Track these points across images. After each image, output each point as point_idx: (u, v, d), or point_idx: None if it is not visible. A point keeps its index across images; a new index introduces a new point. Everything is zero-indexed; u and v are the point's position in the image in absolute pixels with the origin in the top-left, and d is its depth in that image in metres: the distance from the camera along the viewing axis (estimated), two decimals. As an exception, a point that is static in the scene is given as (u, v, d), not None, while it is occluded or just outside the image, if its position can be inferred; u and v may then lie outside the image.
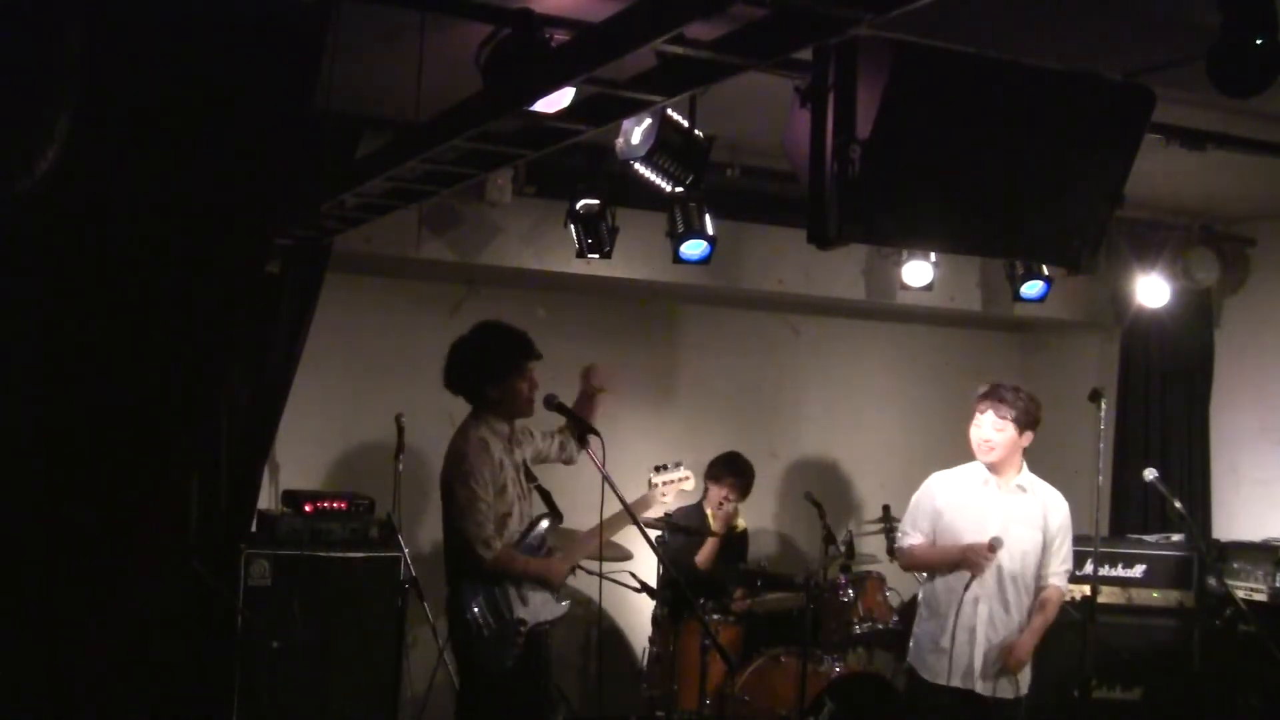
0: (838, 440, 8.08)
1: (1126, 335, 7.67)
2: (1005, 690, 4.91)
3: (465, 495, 4.54)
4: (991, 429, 4.96)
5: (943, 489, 5.13)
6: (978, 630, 4.88)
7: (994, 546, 4.84)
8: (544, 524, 4.75)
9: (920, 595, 5.24)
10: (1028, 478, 5.05)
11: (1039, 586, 4.99)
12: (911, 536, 5.15)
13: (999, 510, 4.97)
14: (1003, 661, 4.89)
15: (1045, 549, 4.97)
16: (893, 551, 6.46)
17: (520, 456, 4.78)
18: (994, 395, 4.97)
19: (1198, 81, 3.62)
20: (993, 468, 5.00)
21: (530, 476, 4.79)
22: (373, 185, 4.76)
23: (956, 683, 4.88)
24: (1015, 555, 4.93)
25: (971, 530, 4.94)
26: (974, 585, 4.86)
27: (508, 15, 3.84)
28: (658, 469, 5.35)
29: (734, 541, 6.89)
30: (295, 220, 5.23)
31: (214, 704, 5.59)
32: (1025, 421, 4.95)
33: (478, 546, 4.51)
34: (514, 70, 3.77)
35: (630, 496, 4.84)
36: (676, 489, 5.37)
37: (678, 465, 5.39)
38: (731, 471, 6.74)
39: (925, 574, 5.26)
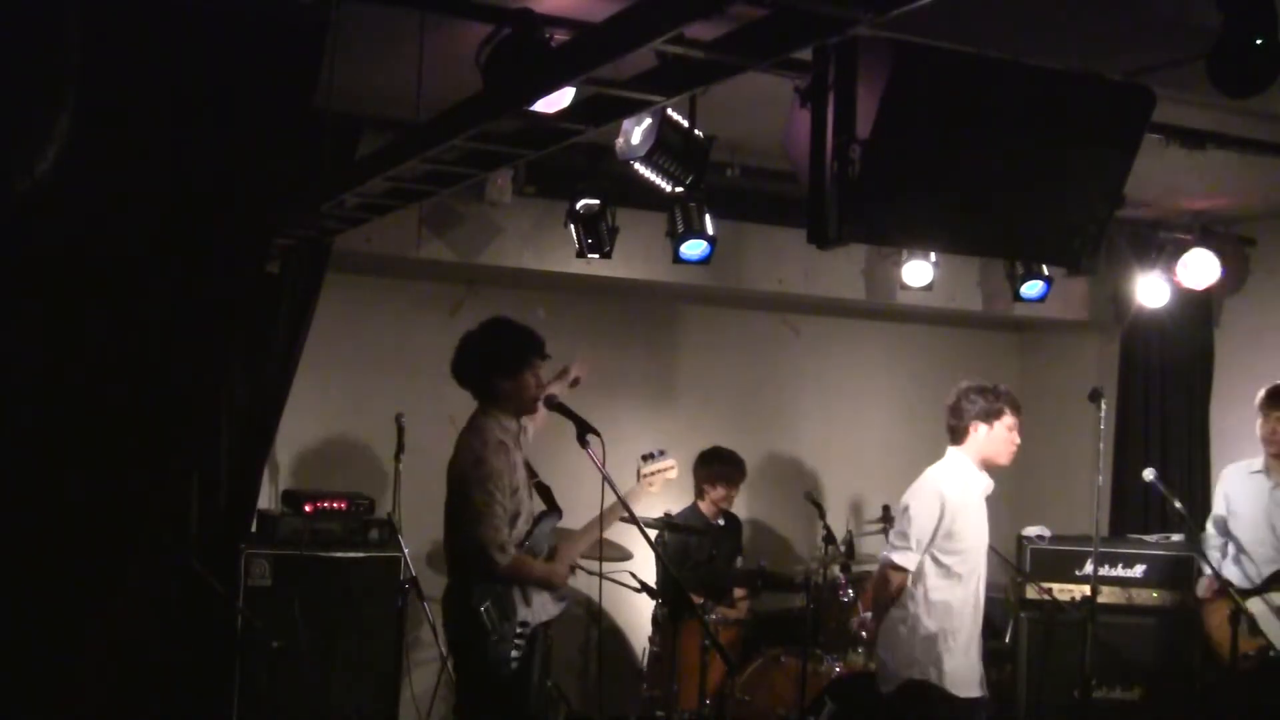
0: (838, 440, 8.09)
1: (1126, 335, 7.67)
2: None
3: (482, 499, 4.49)
4: (1019, 435, 4.97)
5: (954, 500, 4.85)
6: (975, 637, 4.88)
7: None
8: (546, 522, 4.74)
9: (922, 611, 4.84)
10: None
11: None
12: (911, 556, 4.81)
13: (983, 515, 4.96)
14: None
15: None
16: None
17: (524, 454, 4.78)
18: (1017, 401, 4.98)
19: (1198, 81, 3.63)
20: (983, 471, 4.98)
21: (531, 473, 4.78)
22: (373, 185, 4.76)
23: (976, 692, 4.85)
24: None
25: (974, 540, 4.89)
26: (979, 594, 4.86)
27: (508, 15, 3.85)
28: (645, 458, 5.23)
29: (730, 531, 6.94)
30: (295, 220, 5.23)
31: (214, 704, 5.59)
32: None
33: (493, 552, 4.47)
34: (514, 70, 3.77)
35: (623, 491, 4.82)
36: (663, 479, 5.24)
37: (663, 454, 5.25)
38: (725, 473, 6.82)
39: (921, 590, 4.86)
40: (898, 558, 4.85)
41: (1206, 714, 6.02)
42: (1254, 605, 5.54)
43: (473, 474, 4.52)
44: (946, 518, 4.83)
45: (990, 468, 4.98)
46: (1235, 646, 5.27)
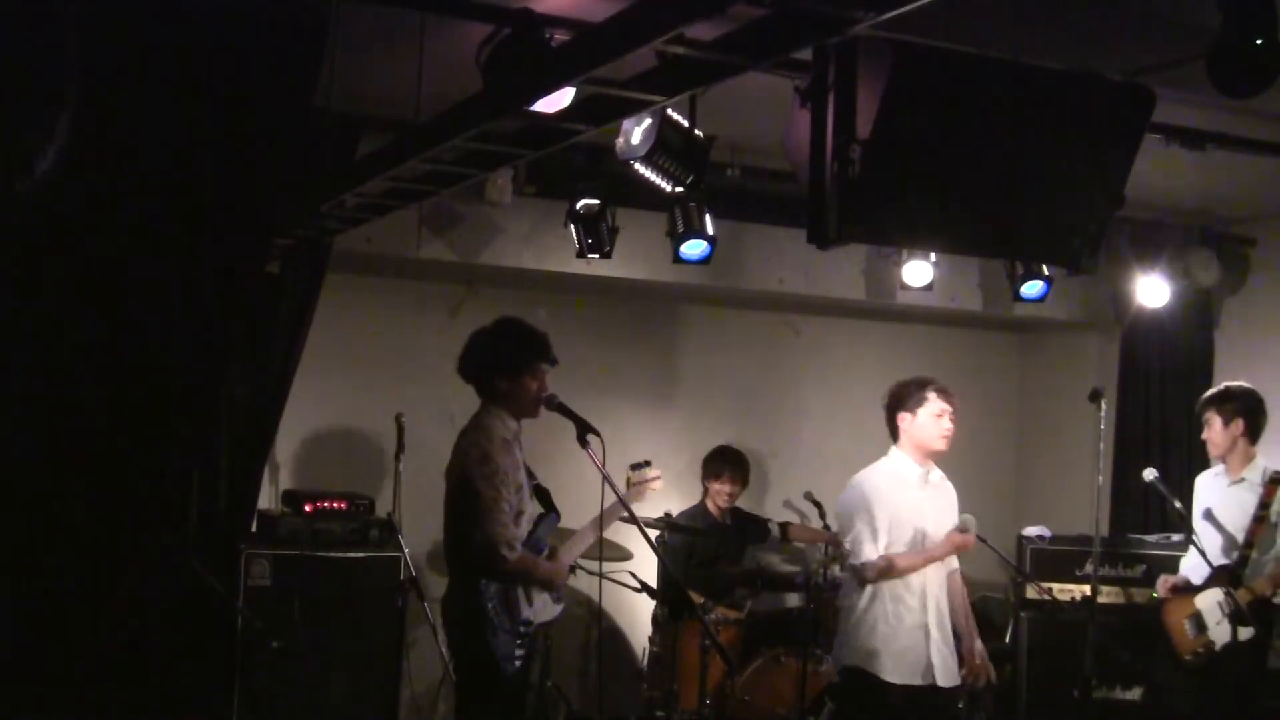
0: (838, 440, 8.06)
1: (1126, 335, 7.67)
2: (955, 679, 4.97)
3: (490, 495, 4.44)
4: (950, 421, 5.03)
5: (878, 488, 5.01)
6: (931, 625, 4.90)
7: (966, 528, 4.94)
8: (546, 524, 4.74)
9: (857, 596, 4.96)
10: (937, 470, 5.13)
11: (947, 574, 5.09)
12: (874, 545, 4.92)
13: (929, 504, 5.02)
14: (974, 673, 5.04)
15: None
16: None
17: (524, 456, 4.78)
18: (945, 388, 5.07)
19: (1198, 81, 3.63)
20: (926, 461, 5.05)
21: (530, 475, 4.78)
22: (373, 185, 4.77)
23: (918, 680, 4.85)
24: None
25: (916, 527, 4.96)
26: (929, 580, 4.90)
27: (508, 15, 3.84)
28: (634, 467, 5.29)
29: (739, 528, 6.96)
30: (295, 220, 5.23)
31: (214, 704, 5.59)
32: None
33: (502, 548, 4.43)
34: (514, 70, 3.77)
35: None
36: (648, 489, 5.29)
37: (649, 464, 5.32)
38: (729, 464, 6.81)
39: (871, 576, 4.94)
40: (856, 554, 4.94)
41: (1163, 713, 6.06)
42: (1200, 601, 5.55)
43: (480, 470, 4.48)
44: (876, 506, 4.95)
45: (931, 456, 5.05)
46: (1235, 635, 5.28)
